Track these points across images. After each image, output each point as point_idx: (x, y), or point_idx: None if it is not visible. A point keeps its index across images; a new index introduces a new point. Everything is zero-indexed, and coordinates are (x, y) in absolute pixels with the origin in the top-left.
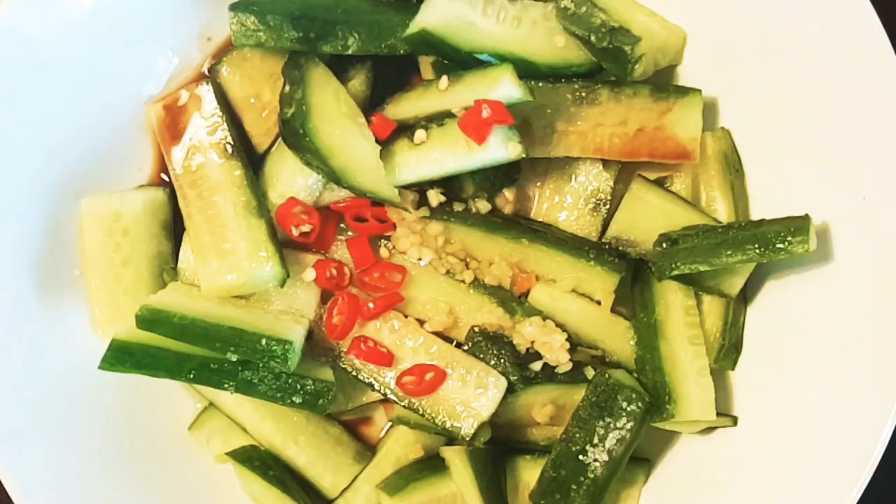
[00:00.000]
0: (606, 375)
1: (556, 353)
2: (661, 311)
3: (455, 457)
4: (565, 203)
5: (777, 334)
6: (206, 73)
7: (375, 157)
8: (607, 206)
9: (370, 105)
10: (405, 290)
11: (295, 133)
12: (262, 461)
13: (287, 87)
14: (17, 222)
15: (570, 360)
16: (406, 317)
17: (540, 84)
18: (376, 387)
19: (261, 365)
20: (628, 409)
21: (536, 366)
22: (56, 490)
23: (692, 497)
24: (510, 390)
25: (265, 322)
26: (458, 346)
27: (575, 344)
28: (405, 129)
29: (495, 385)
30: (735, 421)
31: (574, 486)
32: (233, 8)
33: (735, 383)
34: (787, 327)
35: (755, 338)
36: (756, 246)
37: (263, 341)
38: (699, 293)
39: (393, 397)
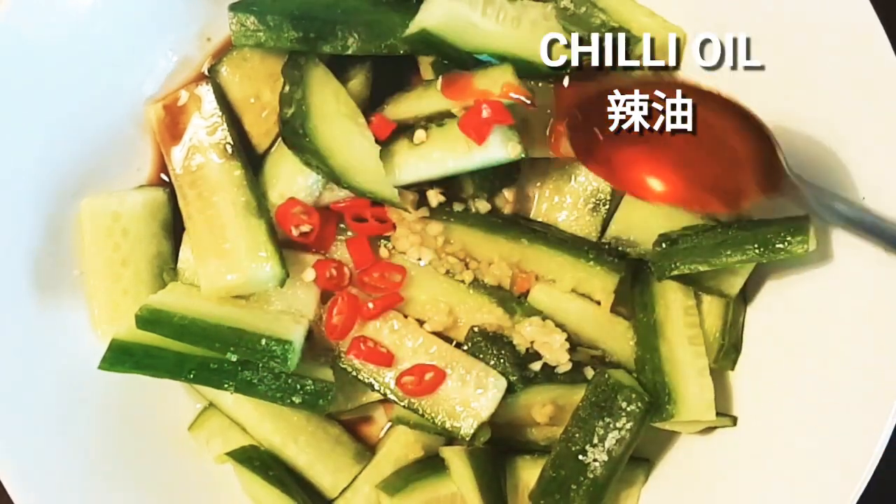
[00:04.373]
0: (606, 375)
1: (556, 353)
2: (660, 311)
3: (455, 457)
4: (565, 203)
5: (777, 334)
6: (206, 73)
7: (375, 158)
8: (607, 207)
9: (370, 105)
10: (405, 290)
11: (295, 133)
12: (262, 461)
13: (287, 87)
14: (17, 222)
15: (570, 360)
16: (406, 317)
17: (540, 84)
18: (376, 387)
19: (261, 365)
20: (628, 409)
21: (536, 366)
22: (56, 490)
23: (692, 497)
24: (510, 390)
25: (265, 322)
26: (458, 346)
27: (575, 344)
28: (405, 129)
29: (495, 385)
30: (735, 421)
31: (574, 486)
32: (233, 8)
33: (735, 383)
34: (787, 327)
35: (755, 338)
36: (756, 246)
37: (263, 341)
38: (699, 293)
39: (393, 397)
